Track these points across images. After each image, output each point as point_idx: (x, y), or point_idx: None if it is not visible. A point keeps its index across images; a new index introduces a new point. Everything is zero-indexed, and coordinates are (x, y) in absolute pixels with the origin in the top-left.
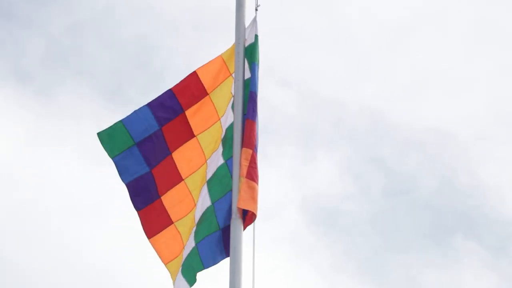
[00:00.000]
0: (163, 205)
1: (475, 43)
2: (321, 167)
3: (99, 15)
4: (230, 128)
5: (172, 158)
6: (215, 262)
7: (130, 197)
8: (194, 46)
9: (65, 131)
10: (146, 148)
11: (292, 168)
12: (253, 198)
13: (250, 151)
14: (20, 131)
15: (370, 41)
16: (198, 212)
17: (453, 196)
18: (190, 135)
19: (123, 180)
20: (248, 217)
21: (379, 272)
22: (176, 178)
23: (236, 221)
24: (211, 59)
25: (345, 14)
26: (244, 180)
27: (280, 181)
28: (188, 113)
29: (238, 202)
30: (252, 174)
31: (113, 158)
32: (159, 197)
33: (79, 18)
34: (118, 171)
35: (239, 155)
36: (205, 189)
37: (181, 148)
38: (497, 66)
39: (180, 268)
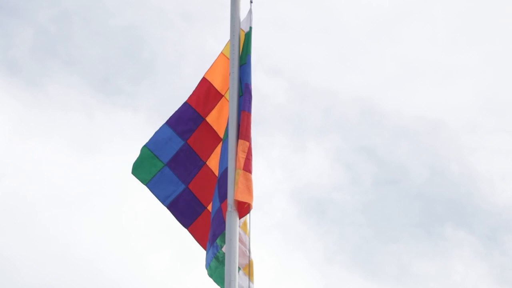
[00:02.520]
0: (209, 213)
1: (465, 33)
2: (311, 157)
3: (87, 4)
4: None
5: (208, 167)
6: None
7: (176, 217)
8: (183, 35)
9: (54, 121)
10: (176, 165)
11: (283, 158)
12: (249, 190)
13: (247, 143)
14: (9, 121)
15: (360, 31)
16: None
17: (444, 186)
18: (218, 140)
19: (163, 203)
20: (241, 207)
21: (370, 261)
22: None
23: (232, 214)
24: (199, 48)
25: (335, 4)
26: (241, 172)
27: (270, 171)
28: (209, 119)
29: (236, 194)
30: (248, 166)
31: (146, 185)
32: (205, 208)
33: (67, 8)
34: (156, 196)
35: (235, 147)
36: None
37: (213, 155)
38: (486, 55)
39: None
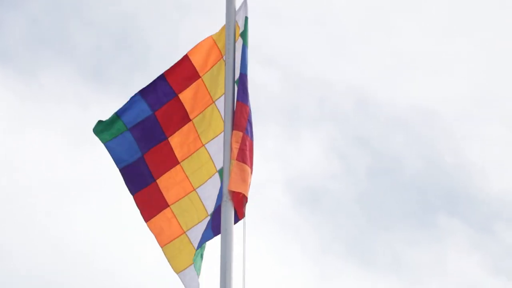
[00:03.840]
0: (159, 188)
1: (459, 23)
2: (305, 147)
3: None
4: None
5: (169, 142)
6: (201, 243)
7: (125, 182)
8: (177, 25)
9: (47, 112)
10: (139, 133)
11: (277, 148)
12: (244, 181)
13: (241, 134)
14: (1, 112)
15: (354, 21)
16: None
17: (438, 175)
18: (186, 119)
19: (117, 166)
20: (238, 199)
21: (364, 250)
22: (172, 162)
23: (227, 204)
24: (194, 38)
25: None
26: (235, 162)
27: (264, 161)
28: (182, 96)
29: (229, 184)
30: (243, 157)
31: (105, 143)
32: (154, 180)
33: None
34: (112, 157)
35: (230, 138)
36: (216, 178)
37: (178, 133)
38: (480, 45)
39: (193, 258)
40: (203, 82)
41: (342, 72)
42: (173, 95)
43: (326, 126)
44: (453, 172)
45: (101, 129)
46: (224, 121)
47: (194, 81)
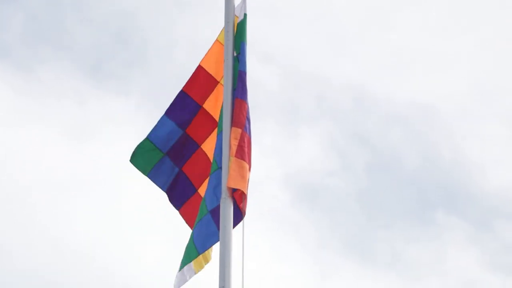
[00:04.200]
0: (200, 196)
1: (458, 19)
2: (304, 144)
3: None
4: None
5: (202, 149)
6: (207, 247)
7: (170, 201)
8: (175, 21)
9: (46, 107)
10: (175, 154)
11: (275, 145)
12: (243, 177)
13: (240, 130)
14: (0, 106)
15: (352, 17)
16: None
17: (436, 172)
18: (214, 124)
19: (163, 190)
20: (238, 196)
21: (363, 247)
22: (209, 168)
23: (226, 201)
24: (192, 35)
25: None
26: (233, 159)
27: (263, 158)
28: (206, 106)
29: (228, 181)
30: (241, 153)
31: (147, 175)
32: (196, 190)
33: None
34: (157, 185)
35: (229, 135)
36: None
37: (209, 139)
38: (479, 42)
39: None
40: (222, 85)
41: (340, 69)
42: (198, 107)
43: (325, 123)
44: (452, 169)
45: (138, 160)
46: (223, 118)
47: (214, 87)
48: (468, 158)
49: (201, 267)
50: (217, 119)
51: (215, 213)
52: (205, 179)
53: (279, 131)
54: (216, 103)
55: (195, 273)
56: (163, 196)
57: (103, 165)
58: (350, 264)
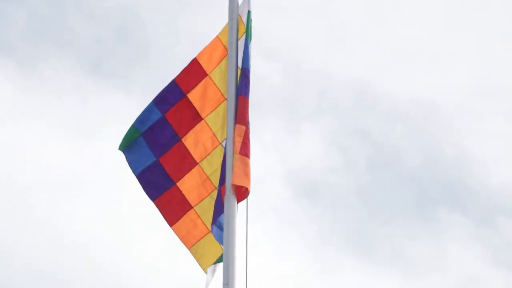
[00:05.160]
0: (180, 191)
1: (460, 15)
2: (305, 139)
3: None
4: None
5: (182, 143)
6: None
7: (143, 188)
8: (177, 17)
9: (48, 104)
10: (151, 137)
11: (277, 140)
12: (247, 174)
13: (244, 127)
14: (2, 104)
15: (354, 13)
16: None
17: (438, 168)
18: (198, 118)
19: (133, 172)
20: (239, 191)
21: (364, 243)
22: (190, 163)
23: (230, 197)
24: (194, 31)
25: None
26: (237, 156)
27: (264, 154)
28: (191, 96)
29: (233, 178)
30: (245, 150)
31: (123, 151)
32: (174, 183)
33: None
34: (128, 164)
35: (233, 132)
36: None
37: (191, 133)
38: (481, 38)
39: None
40: (212, 80)
41: (342, 65)
42: (182, 95)
43: (326, 119)
44: (454, 165)
45: (123, 141)
46: (227, 116)
47: (202, 79)
48: (470, 155)
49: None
50: (201, 113)
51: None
52: (185, 173)
53: (281, 127)
54: (202, 97)
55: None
56: None
57: (104, 162)
58: (351, 260)
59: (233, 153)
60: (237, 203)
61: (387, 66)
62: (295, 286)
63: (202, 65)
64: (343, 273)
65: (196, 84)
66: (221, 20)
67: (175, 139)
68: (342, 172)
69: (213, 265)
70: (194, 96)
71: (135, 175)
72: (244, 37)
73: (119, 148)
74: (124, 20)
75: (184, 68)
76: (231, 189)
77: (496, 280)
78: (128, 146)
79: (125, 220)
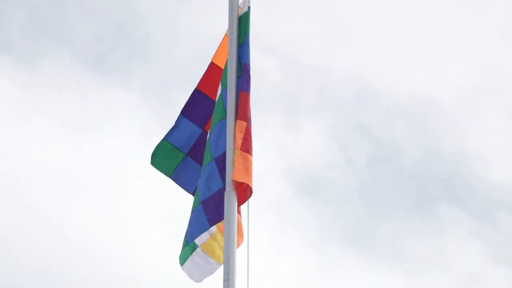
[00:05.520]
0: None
1: (461, 12)
2: (305, 136)
3: None
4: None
5: None
6: (195, 236)
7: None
8: (177, 13)
9: (47, 100)
10: (197, 153)
11: (277, 137)
12: (248, 171)
13: (245, 123)
14: (1, 100)
15: (354, 8)
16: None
17: (438, 164)
18: None
19: (189, 192)
20: (241, 190)
21: (364, 239)
22: None
23: (230, 194)
24: (194, 27)
25: None
26: (238, 152)
27: (264, 150)
28: None
29: (233, 174)
30: (246, 146)
31: (170, 176)
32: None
33: None
34: (181, 187)
35: (233, 128)
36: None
37: None
38: (481, 35)
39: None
40: None
41: (342, 61)
42: (213, 103)
43: (326, 115)
44: (454, 162)
45: (158, 161)
46: (226, 111)
47: None
48: (470, 151)
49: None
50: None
51: (206, 204)
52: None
53: (281, 124)
54: None
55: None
56: (166, 191)
57: (105, 159)
58: (352, 256)
59: (234, 149)
60: (241, 204)
61: (387, 63)
62: (295, 283)
63: (222, 68)
64: (343, 269)
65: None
66: (222, 16)
67: None
68: (342, 168)
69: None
70: None
71: (191, 194)
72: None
73: (166, 174)
74: (124, 16)
75: (204, 75)
76: (231, 185)
77: (497, 277)
78: (176, 169)
79: (125, 218)
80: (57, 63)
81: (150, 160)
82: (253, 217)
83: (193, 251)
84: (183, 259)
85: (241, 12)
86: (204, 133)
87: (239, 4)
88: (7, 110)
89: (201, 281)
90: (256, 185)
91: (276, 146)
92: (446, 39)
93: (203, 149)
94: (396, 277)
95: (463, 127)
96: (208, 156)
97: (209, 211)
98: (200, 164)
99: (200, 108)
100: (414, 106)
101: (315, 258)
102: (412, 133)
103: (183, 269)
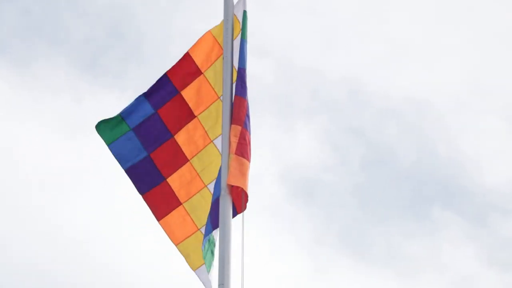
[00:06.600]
0: (170, 187)
1: (453, 13)
2: (299, 138)
3: None
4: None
5: (175, 140)
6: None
7: (132, 182)
8: (171, 15)
9: (41, 103)
10: (143, 133)
11: (271, 139)
12: (243, 175)
13: (239, 128)
14: None
15: (347, 10)
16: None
17: (432, 167)
18: (191, 115)
19: (122, 166)
20: (237, 193)
21: (359, 242)
22: (181, 160)
23: (225, 198)
24: (188, 28)
25: None
26: (233, 156)
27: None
28: (185, 93)
29: (228, 178)
30: (241, 151)
31: (108, 145)
32: (164, 179)
33: None
34: (116, 158)
35: (228, 132)
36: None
37: (183, 130)
38: (474, 36)
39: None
40: (206, 78)
41: (335, 63)
42: (176, 92)
43: (320, 117)
44: (447, 164)
45: (103, 129)
46: (222, 115)
47: (196, 77)
48: (464, 153)
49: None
50: (194, 110)
51: (212, 208)
52: (176, 170)
53: (274, 125)
54: (196, 95)
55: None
56: None
57: (99, 161)
58: (346, 258)
59: (229, 153)
60: (234, 203)
61: (381, 64)
62: (289, 286)
63: (197, 63)
64: (338, 272)
65: (190, 82)
66: (215, 18)
67: (167, 135)
68: (336, 170)
69: (203, 267)
70: (188, 93)
71: (124, 169)
72: (239, 37)
73: (105, 141)
74: (118, 18)
75: (177, 63)
76: (226, 189)
77: (491, 279)
78: (117, 139)
79: (122, 218)
80: (51, 66)
81: (96, 124)
82: (247, 219)
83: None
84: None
85: (237, 19)
86: (156, 115)
87: (234, 11)
88: (1, 112)
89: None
90: (250, 187)
91: (270, 148)
92: (439, 41)
93: (150, 130)
94: (390, 279)
95: (457, 129)
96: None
97: (212, 216)
98: (142, 143)
99: (161, 91)
100: (407, 108)
101: (309, 260)
102: (405, 135)
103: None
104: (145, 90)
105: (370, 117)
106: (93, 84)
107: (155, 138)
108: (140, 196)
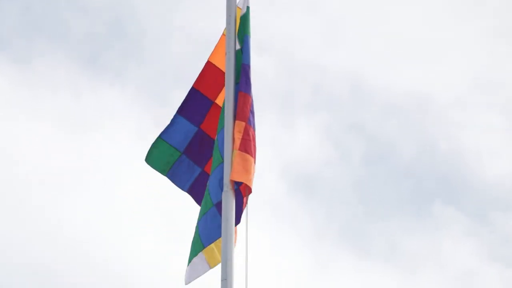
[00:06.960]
0: None
1: (456, 9)
2: (300, 134)
3: None
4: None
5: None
6: (212, 239)
7: (195, 200)
8: (172, 11)
9: (42, 99)
10: (193, 152)
11: (271, 135)
12: (247, 170)
13: (243, 124)
14: None
15: (348, 5)
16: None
17: (433, 163)
18: None
19: (182, 189)
20: (243, 189)
21: (359, 238)
22: None
23: (227, 193)
24: (189, 25)
25: None
26: (237, 152)
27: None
28: (219, 100)
29: (231, 174)
30: (245, 147)
31: (166, 175)
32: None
33: None
34: (176, 185)
35: (232, 128)
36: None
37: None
38: (476, 32)
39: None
40: None
41: (336, 58)
42: (210, 103)
43: (321, 113)
44: (449, 160)
45: (154, 160)
46: (225, 111)
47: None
48: (465, 149)
49: (217, 261)
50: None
51: (220, 206)
52: None
53: (275, 121)
54: None
55: (210, 268)
56: (161, 190)
57: (99, 158)
58: (346, 254)
59: (232, 149)
60: (240, 199)
61: (382, 60)
62: (290, 281)
63: (221, 68)
64: (338, 266)
65: (221, 89)
66: (217, 14)
67: (212, 144)
68: (337, 166)
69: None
70: (221, 99)
71: (185, 191)
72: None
73: (161, 172)
74: (118, 15)
75: (200, 74)
76: (229, 185)
77: (492, 275)
78: (172, 167)
79: (122, 215)
80: (51, 62)
81: (145, 158)
82: (249, 215)
83: (198, 253)
84: (189, 260)
85: (241, 13)
86: (200, 132)
87: (237, 3)
88: (1, 108)
89: (189, 283)
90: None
91: (270, 144)
92: (441, 36)
93: (198, 148)
94: (390, 275)
95: (458, 125)
96: (218, 158)
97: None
98: (195, 162)
99: (196, 106)
100: (408, 103)
101: (310, 256)
102: (406, 130)
103: (187, 269)
104: (145, 86)
105: (371, 113)
106: (93, 80)
107: (205, 152)
108: (140, 196)
